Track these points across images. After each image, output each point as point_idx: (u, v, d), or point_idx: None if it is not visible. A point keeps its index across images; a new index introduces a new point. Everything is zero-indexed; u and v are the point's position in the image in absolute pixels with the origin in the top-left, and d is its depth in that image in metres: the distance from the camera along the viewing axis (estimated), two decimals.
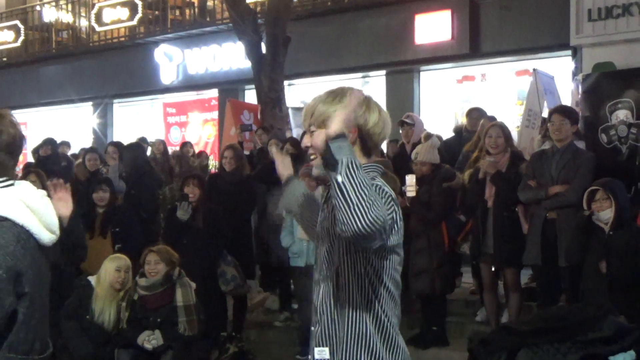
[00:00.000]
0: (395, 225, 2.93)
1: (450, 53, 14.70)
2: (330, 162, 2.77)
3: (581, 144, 8.10)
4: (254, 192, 9.61)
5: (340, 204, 2.70)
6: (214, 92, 18.64)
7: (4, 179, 3.04)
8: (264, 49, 13.23)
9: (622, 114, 8.31)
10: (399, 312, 3.13)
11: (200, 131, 19.17)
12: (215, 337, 8.41)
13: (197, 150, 15.38)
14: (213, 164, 14.20)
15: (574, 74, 11.13)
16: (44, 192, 3.15)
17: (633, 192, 7.89)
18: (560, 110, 7.68)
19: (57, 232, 3.13)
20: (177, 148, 15.13)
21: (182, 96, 19.46)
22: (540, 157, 7.62)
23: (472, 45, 14.44)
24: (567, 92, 10.45)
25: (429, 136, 9.23)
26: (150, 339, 7.14)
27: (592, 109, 8.58)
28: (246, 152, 11.40)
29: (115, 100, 20.82)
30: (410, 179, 7.97)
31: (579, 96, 9.10)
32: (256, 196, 9.64)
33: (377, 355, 3.01)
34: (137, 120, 20.18)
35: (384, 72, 15.82)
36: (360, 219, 2.67)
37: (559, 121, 7.42)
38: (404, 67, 15.37)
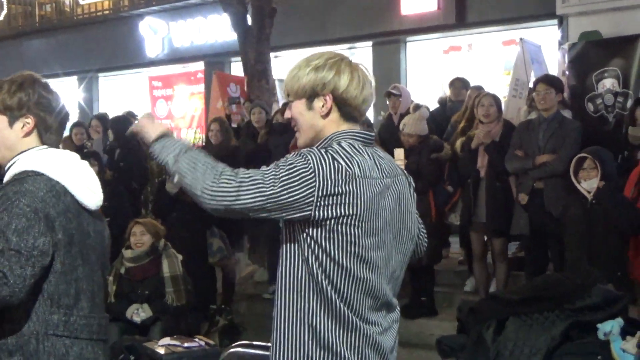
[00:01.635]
0: (325, 199, 2.72)
1: (436, 23, 14.64)
2: (165, 166, 2.87)
3: (567, 113, 8.11)
4: (241, 165, 9.58)
5: (188, 190, 2.78)
6: (200, 65, 18.54)
7: (46, 147, 3.13)
8: (249, 21, 13.15)
9: (608, 83, 8.33)
10: (371, 291, 2.82)
11: (186, 104, 19.09)
12: (204, 309, 8.43)
13: (185, 124, 15.32)
14: (200, 137, 14.15)
15: (560, 43, 11.11)
16: (86, 163, 3.22)
17: (620, 161, 7.92)
18: (545, 80, 7.69)
19: (100, 195, 3.16)
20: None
21: (167, 69, 19.35)
22: (527, 126, 7.64)
23: (458, 15, 14.39)
24: (554, 62, 10.43)
25: (417, 107, 9.21)
26: (138, 312, 7.16)
27: (579, 78, 8.60)
28: (234, 125, 11.37)
29: (100, 74, 20.68)
30: (399, 153, 7.95)
31: (565, 65, 9.10)
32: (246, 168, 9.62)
33: (322, 340, 2.77)
34: (122, 94, 20.07)
35: (370, 43, 15.76)
36: (202, 195, 2.74)
37: (544, 90, 7.43)
38: (390, 37, 15.31)
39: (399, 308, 3.02)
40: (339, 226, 2.75)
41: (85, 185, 3.09)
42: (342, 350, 2.78)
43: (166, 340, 5.98)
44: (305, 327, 2.79)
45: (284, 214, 2.76)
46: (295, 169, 2.73)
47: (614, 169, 6.77)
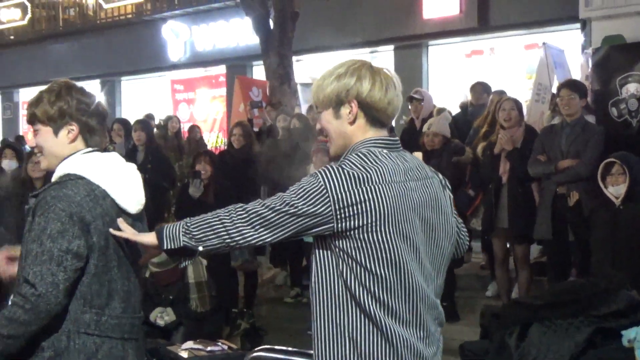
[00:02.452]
0: (345, 210, 2.74)
1: (458, 27, 14.62)
2: (183, 253, 2.94)
3: (591, 118, 8.07)
4: (263, 168, 9.62)
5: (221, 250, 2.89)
6: (221, 69, 18.61)
7: (91, 149, 3.23)
8: (271, 25, 13.18)
9: (632, 87, 8.28)
10: (410, 297, 2.80)
11: (208, 108, 19.15)
12: (226, 313, 8.45)
13: (207, 128, 15.35)
14: (222, 140, 14.19)
15: (584, 47, 11.05)
16: (133, 165, 3.33)
17: None
18: (569, 85, 7.66)
19: (142, 201, 3.26)
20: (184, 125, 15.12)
21: (189, 73, 19.43)
22: (550, 131, 7.61)
23: (480, 19, 14.35)
24: (577, 66, 10.39)
25: (441, 110, 9.22)
26: (162, 316, 7.18)
27: (602, 83, 8.55)
28: (255, 129, 11.40)
29: (122, 78, 20.81)
30: (418, 156, 7.96)
31: (589, 70, 9.06)
32: (268, 173, 9.66)
33: (359, 347, 2.78)
34: (145, 98, 20.17)
35: (392, 46, 15.77)
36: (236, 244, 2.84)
37: (567, 95, 7.40)
38: (412, 41, 15.31)
39: (442, 310, 3.01)
40: (366, 234, 2.75)
41: (126, 189, 3.18)
42: None
43: (189, 344, 5.98)
44: (346, 340, 2.80)
45: (309, 232, 2.82)
46: (304, 189, 2.78)
47: None
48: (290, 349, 4.48)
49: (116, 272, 3.13)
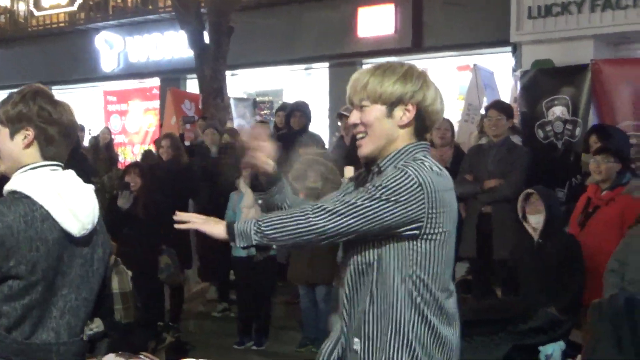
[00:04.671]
0: (434, 212, 2.73)
1: (393, 46, 14.75)
2: (258, 246, 2.85)
3: (517, 139, 8.22)
4: (191, 182, 9.58)
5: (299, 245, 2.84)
6: (155, 81, 18.46)
7: (54, 163, 3.10)
8: (206, 39, 13.15)
9: (558, 110, 8.47)
10: (444, 300, 2.88)
11: (141, 120, 18.98)
12: (152, 327, 8.36)
13: (139, 140, 15.24)
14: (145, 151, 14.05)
15: (514, 70, 11.28)
16: (91, 186, 3.17)
17: (567, 188, 8.05)
18: (497, 106, 7.81)
19: (88, 225, 3.07)
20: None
21: (123, 84, 19.24)
22: (477, 151, 7.74)
23: (414, 39, 14.53)
24: (507, 88, 10.59)
25: None
26: (89, 326, 7.06)
27: (530, 105, 8.73)
28: (187, 143, 11.33)
29: (54, 87, 20.45)
30: (349, 171, 8.04)
31: (518, 92, 9.24)
32: (194, 186, 9.62)
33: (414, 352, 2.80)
34: (77, 108, 19.82)
35: (327, 64, 15.83)
36: (315, 241, 2.76)
37: (495, 117, 7.54)
38: (347, 59, 15.38)
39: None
40: (442, 242, 2.79)
41: (72, 211, 3.02)
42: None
43: (111, 357, 5.89)
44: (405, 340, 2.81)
45: (393, 230, 2.74)
46: (397, 183, 2.71)
47: (559, 210, 6.81)
48: None
49: (36, 298, 2.99)
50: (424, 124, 2.88)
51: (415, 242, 2.76)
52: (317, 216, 2.73)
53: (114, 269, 7.28)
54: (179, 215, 2.95)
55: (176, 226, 2.96)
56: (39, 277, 2.96)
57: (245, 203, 8.75)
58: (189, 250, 9.66)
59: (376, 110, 2.85)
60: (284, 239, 2.77)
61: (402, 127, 2.85)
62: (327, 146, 10.35)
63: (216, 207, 8.95)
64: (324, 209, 2.73)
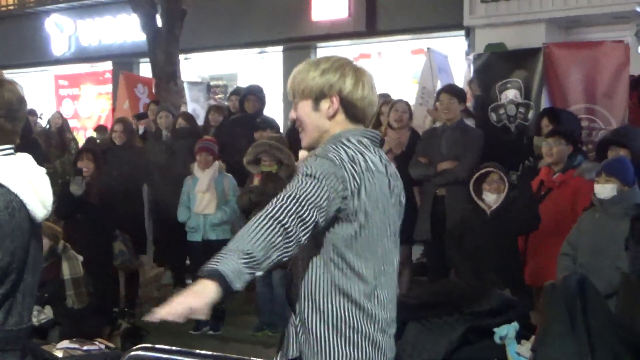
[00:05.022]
0: (353, 193, 2.80)
1: (346, 30, 14.76)
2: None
3: (471, 122, 8.28)
4: (145, 166, 9.50)
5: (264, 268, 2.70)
6: (107, 65, 18.27)
7: (6, 147, 3.04)
8: (159, 22, 13.02)
9: (511, 94, 8.53)
10: (377, 289, 2.92)
11: (93, 104, 18.78)
12: (107, 313, 8.30)
13: (92, 125, 15.06)
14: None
15: (467, 54, 11.35)
16: (42, 169, 3.13)
17: (520, 170, 8.12)
18: (449, 90, 7.87)
19: (50, 208, 3.09)
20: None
21: (74, 68, 19.01)
22: (430, 134, 7.80)
23: (368, 23, 14.53)
24: (461, 71, 10.65)
25: None
26: (37, 315, 7.00)
27: (483, 88, 8.79)
28: (140, 131, 11.22)
29: (4, 71, 20.01)
30: (302, 154, 8.02)
31: (471, 75, 9.30)
32: (150, 171, 9.54)
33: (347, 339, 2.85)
34: (27, 92, 19.55)
35: (281, 48, 15.79)
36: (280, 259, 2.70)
37: (447, 100, 7.60)
38: (300, 43, 15.37)
39: None
40: (362, 223, 2.83)
41: (37, 196, 3.02)
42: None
43: (65, 344, 5.86)
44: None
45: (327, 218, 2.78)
46: (318, 169, 2.77)
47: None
48: (170, 347, 4.40)
49: (11, 285, 2.99)
50: (353, 112, 2.98)
51: (336, 225, 2.82)
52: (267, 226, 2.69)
53: (64, 255, 7.24)
54: (158, 315, 2.65)
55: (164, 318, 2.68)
56: (15, 265, 2.97)
57: (200, 187, 8.71)
58: (144, 235, 9.59)
59: (305, 106, 3.00)
60: (274, 258, 2.68)
61: (331, 118, 2.97)
62: (281, 130, 10.31)
63: (170, 193, 8.91)
64: (271, 214, 2.71)
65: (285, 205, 2.71)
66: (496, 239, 6.44)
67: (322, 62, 3.00)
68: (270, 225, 2.67)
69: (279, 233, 2.66)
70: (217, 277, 2.58)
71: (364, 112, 3.00)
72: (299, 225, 2.69)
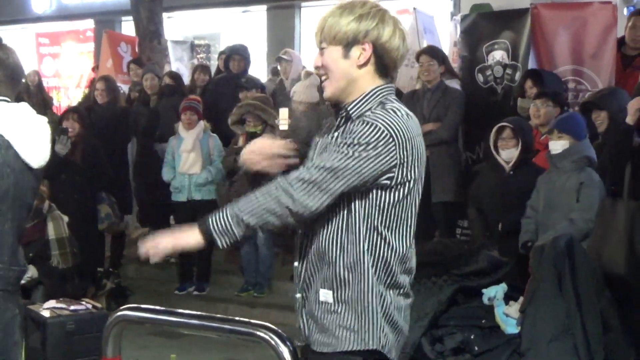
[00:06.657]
0: (406, 160, 2.72)
1: None
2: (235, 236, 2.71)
3: (456, 83, 8.26)
4: (128, 125, 9.44)
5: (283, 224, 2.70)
6: (89, 23, 18.03)
7: (2, 98, 3.16)
8: None
9: (498, 55, 8.49)
10: (408, 251, 2.88)
11: (75, 63, 18.56)
12: (92, 273, 8.29)
13: (73, 84, 14.91)
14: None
15: (453, 14, 11.27)
16: (44, 119, 3.23)
17: None
18: (428, 52, 7.91)
19: (46, 155, 3.17)
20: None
21: (55, 26, 18.76)
22: (412, 96, 7.82)
23: None
24: (447, 32, 10.59)
25: (308, 74, 9.22)
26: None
27: (470, 50, 8.73)
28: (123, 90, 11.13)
29: None
30: (283, 113, 8.00)
31: (457, 36, 9.24)
32: (134, 130, 9.49)
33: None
34: None
35: (264, 6, 15.64)
36: (298, 215, 2.68)
37: (427, 62, 7.63)
38: (285, 2, 15.23)
39: None
40: (409, 189, 2.76)
41: (31, 142, 3.11)
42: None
43: (51, 303, 5.83)
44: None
45: (370, 185, 2.71)
46: (371, 140, 2.67)
47: (532, 140, 6.88)
48: (156, 307, 4.40)
49: (9, 225, 3.10)
50: (383, 62, 2.82)
51: (384, 192, 2.73)
52: (299, 190, 2.66)
53: (49, 214, 7.19)
54: (147, 248, 2.83)
55: (151, 260, 2.85)
56: (9, 205, 3.08)
57: (185, 147, 8.67)
58: (129, 195, 9.56)
59: (333, 52, 2.83)
60: (269, 222, 2.69)
61: (361, 66, 2.81)
62: (266, 90, 10.26)
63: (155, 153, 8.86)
64: (303, 180, 2.67)
65: (323, 176, 2.66)
66: (514, 198, 6.46)
67: (357, 6, 2.82)
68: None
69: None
70: (204, 232, 2.71)
71: (395, 65, 2.86)
72: (321, 203, 2.68)
